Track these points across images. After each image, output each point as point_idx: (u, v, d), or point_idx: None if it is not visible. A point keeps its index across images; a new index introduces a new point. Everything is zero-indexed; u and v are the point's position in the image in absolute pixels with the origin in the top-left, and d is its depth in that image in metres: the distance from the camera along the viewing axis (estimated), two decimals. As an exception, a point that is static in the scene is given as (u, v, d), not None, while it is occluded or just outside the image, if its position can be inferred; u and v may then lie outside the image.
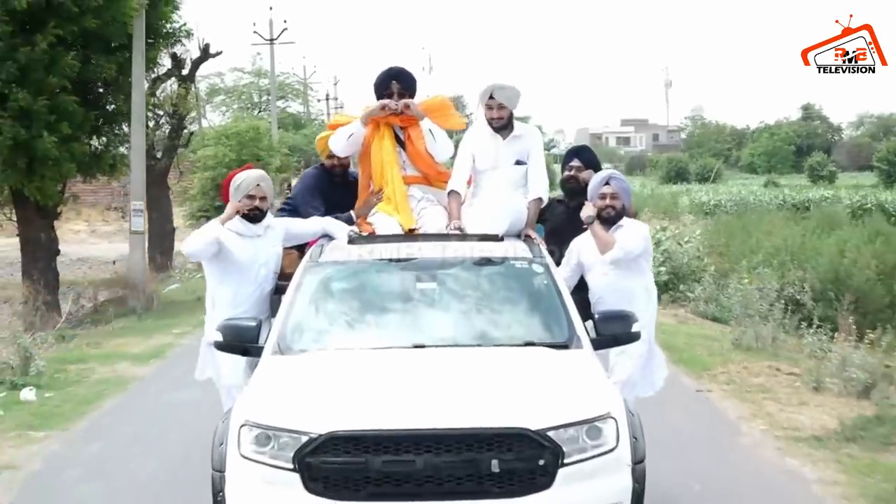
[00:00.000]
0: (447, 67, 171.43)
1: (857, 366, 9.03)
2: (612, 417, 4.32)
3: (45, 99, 14.45)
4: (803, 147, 74.68)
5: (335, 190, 6.57)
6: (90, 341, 12.93)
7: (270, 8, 58.25)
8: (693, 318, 14.57)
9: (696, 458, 7.12)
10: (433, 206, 6.28)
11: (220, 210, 6.51)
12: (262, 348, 5.15)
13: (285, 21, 46.20)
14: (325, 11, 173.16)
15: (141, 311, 16.13)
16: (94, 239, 31.16)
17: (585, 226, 6.01)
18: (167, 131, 24.06)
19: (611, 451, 4.27)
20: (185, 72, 23.58)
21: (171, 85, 23.51)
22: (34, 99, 14.33)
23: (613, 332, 5.27)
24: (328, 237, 6.10)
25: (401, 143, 6.33)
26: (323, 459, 4.17)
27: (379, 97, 6.35)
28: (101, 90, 16.53)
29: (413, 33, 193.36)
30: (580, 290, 5.97)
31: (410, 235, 5.90)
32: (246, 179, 6.11)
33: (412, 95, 6.39)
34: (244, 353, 5.35)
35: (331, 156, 6.61)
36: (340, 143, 6.41)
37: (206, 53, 23.76)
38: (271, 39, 42.88)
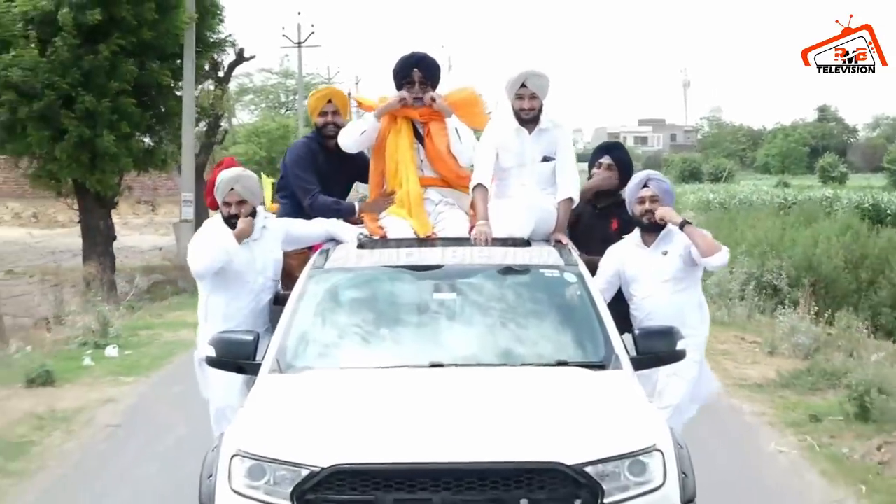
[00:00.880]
0: (467, 66, 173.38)
1: (803, 332, 10.77)
2: (658, 450, 3.77)
3: (108, 101, 16.46)
4: (818, 148, 75.12)
5: (330, 160, 5.89)
6: (152, 313, 14.93)
7: (299, 13, 60.75)
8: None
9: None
10: (453, 209, 5.63)
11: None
12: (258, 365, 4.55)
13: (312, 25, 48.44)
14: (348, 12, 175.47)
15: (192, 290, 17.97)
16: (127, 231, 32.72)
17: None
18: (204, 130, 25.96)
19: (657, 489, 3.72)
20: (220, 74, 25.46)
21: (209, 86, 25.43)
22: (98, 101, 16.35)
23: (656, 349, 4.67)
24: (334, 241, 5.49)
25: (419, 137, 5.66)
26: (325, 496, 3.65)
27: (398, 86, 5.67)
28: (153, 93, 18.41)
29: (432, 32, 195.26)
30: (615, 302, 5.39)
31: (426, 240, 5.34)
32: (220, 183, 5.39)
33: (435, 85, 5.71)
34: (238, 370, 4.71)
35: (323, 112, 5.92)
36: (351, 139, 5.75)
37: (240, 57, 25.52)
38: (299, 43, 45.07)
